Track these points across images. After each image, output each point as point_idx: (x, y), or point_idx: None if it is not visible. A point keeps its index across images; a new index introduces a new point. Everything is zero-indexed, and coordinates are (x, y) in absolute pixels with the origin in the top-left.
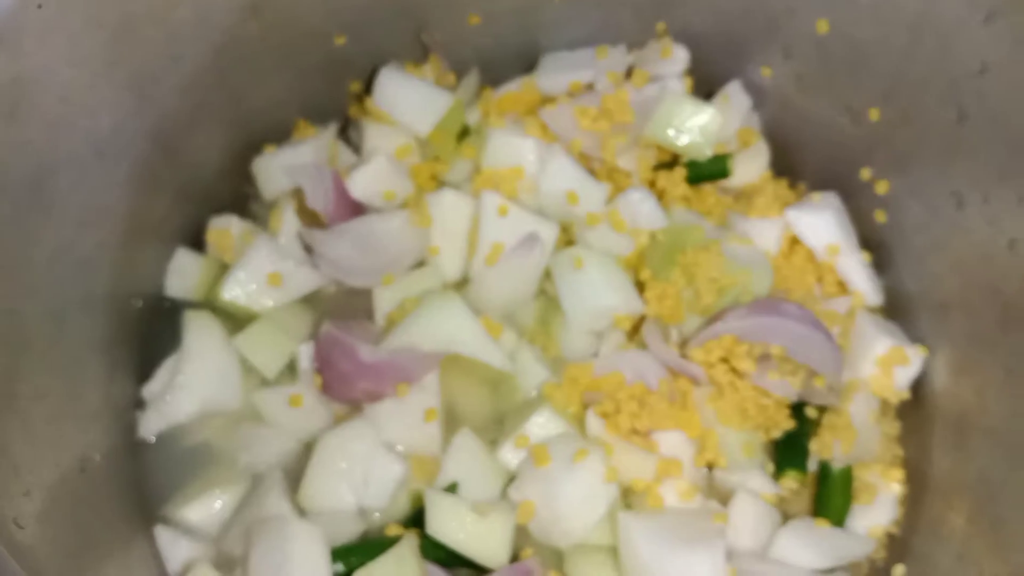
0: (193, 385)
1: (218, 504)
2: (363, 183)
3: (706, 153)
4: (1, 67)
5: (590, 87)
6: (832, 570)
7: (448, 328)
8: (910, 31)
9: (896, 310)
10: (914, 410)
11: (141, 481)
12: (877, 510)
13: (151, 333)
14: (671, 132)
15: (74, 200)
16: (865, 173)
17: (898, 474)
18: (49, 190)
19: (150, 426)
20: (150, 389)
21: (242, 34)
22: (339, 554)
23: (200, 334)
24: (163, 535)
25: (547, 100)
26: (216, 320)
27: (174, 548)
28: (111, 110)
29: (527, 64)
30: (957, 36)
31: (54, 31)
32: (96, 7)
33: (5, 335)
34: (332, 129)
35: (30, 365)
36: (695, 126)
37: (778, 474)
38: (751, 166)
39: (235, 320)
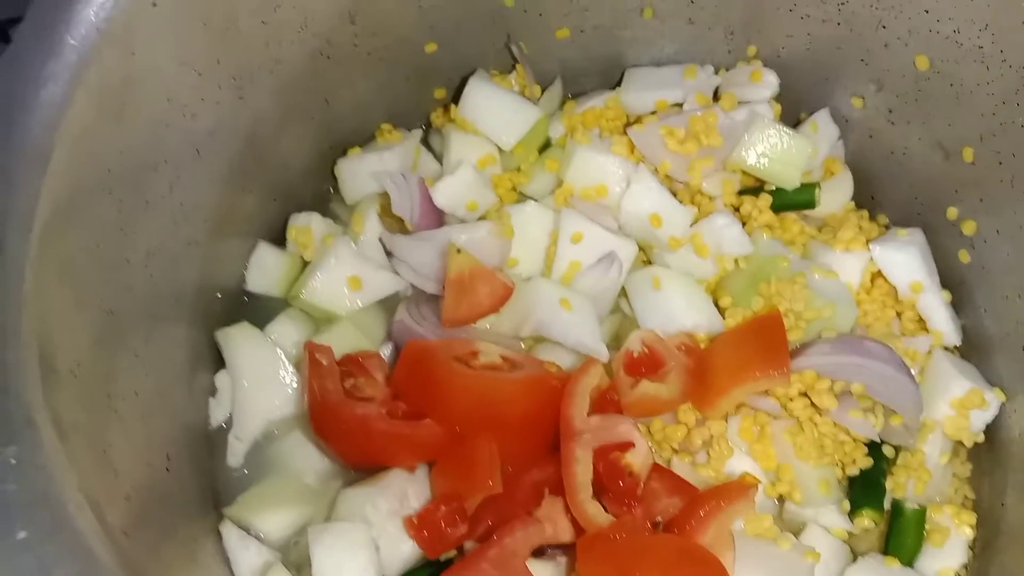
0: (254, 399)
1: (285, 513)
2: (448, 192)
3: (794, 182)
4: (112, 67)
5: (676, 107)
6: None
7: None
8: (1020, 75)
9: (972, 350)
10: (987, 453)
11: (211, 476)
12: (947, 553)
13: (228, 325)
14: (758, 159)
15: (171, 199)
16: (952, 212)
17: (969, 517)
18: (149, 190)
19: (220, 416)
20: (222, 380)
21: (338, 39)
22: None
23: (247, 351)
24: (231, 534)
25: (630, 117)
26: (262, 336)
27: (242, 550)
28: (211, 109)
29: (610, 78)
30: None
31: (165, 29)
32: (205, 5)
33: (104, 335)
34: (416, 135)
35: (125, 363)
36: (784, 154)
37: (854, 512)
38: (834, 196)
39: (314, 320)
